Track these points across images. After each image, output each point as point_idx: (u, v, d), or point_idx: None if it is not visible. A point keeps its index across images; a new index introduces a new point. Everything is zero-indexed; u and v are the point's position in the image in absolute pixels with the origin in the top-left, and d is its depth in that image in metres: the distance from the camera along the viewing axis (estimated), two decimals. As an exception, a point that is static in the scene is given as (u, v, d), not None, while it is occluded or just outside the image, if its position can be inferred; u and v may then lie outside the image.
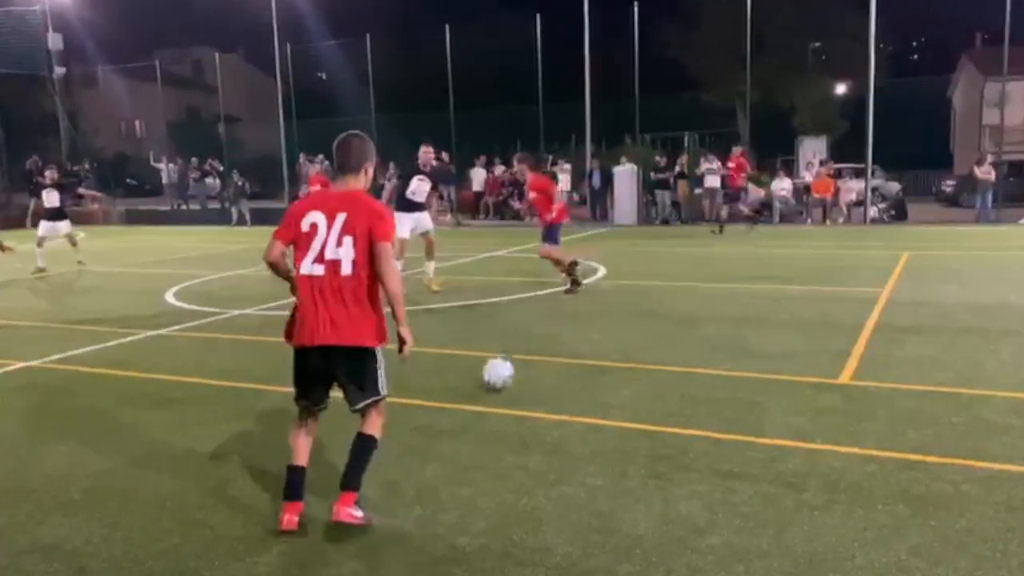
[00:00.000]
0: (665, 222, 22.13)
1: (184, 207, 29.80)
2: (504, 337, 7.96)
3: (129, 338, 8.43)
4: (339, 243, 3.76)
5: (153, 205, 30.89)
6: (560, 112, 25.74)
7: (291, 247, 3.90)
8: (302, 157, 28.24)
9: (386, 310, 3.97)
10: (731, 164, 19.92)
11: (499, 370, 5.87)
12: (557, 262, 10.57)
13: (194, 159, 30.08)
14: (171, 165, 30.52)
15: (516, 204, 21.65)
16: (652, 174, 22.34)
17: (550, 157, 25.02)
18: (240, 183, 26.50)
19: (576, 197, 25.95)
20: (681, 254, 15.58)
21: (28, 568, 3.54)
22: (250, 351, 7.85)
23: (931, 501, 3.92)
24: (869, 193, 21.02)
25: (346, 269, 3.77)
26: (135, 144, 47.32)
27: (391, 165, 28.53)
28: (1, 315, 10.10)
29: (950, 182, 28.26)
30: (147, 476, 4.56)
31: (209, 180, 28.86)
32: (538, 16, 24.62)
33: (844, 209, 21.23)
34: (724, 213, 19.52)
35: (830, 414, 5.29)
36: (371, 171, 4.02)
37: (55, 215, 14.15)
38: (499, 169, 26.06)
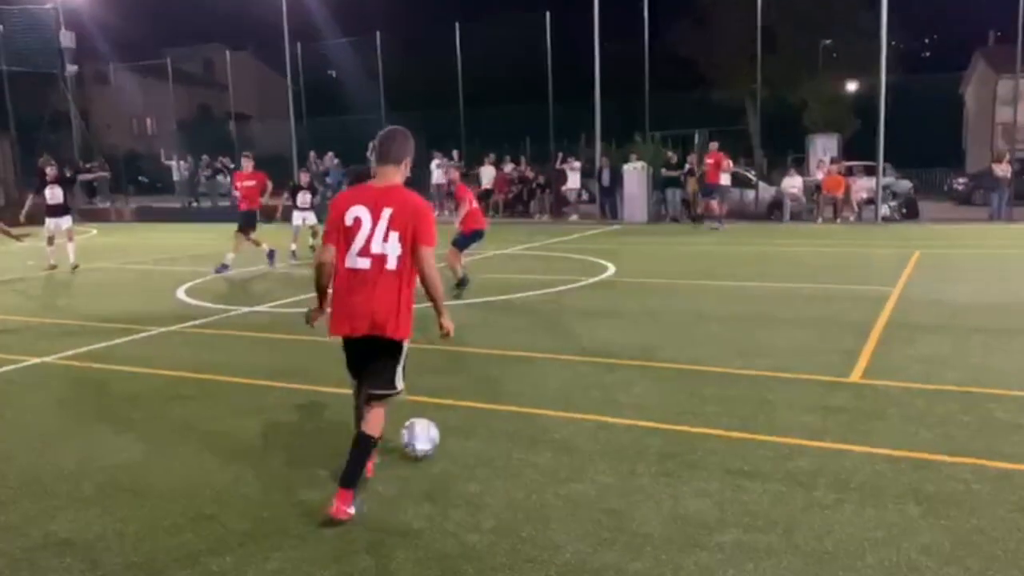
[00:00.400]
0: (675, 220, 22.08)
1: (195, 204, 29.92)
2: (514, 334, 7.98)
3: (141, 334, 8.47)
4: (386, 238, 3.86)
5: (164, 203, 31.03)
6: (570, 110, 25.70)
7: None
8: (312, 155, 28.30)
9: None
10: (709, 161, 19.99)
11: (426, 434, 4.72)
12: (452, 269, 10.30)
13: (205, 157, 30.20)
14: (182, 163, 30.65)
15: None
16: (663, 171, 22.30)
17: (560, 154, 25.00)
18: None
19: (586, 194, 25.93)
20: (691, 252, 15.54)
21: (41, 563, 3.57)
22: (261, 348, 7.88)
23: (942, 500, 3.91)
24: (880, 191, 20.92)
25: (391, 264, 3.88)
26: (146, 142, 47.54)
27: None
28: (14, 311, 10.17)
29: (962, 180, 28.10)
30: (159, 471, 4.59)
31: (220, 178, 28.97)
32: (548, 13, 24.59)
33: (855, 207, 21.14)
34: (700, 208, 19.84)
35: (841, 412, 5.28)
36: (409, 164, 4.09)
37: (58, 211, 14.00)
38: (509, 167, 26.05)
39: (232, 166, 29.01)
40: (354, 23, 33.15)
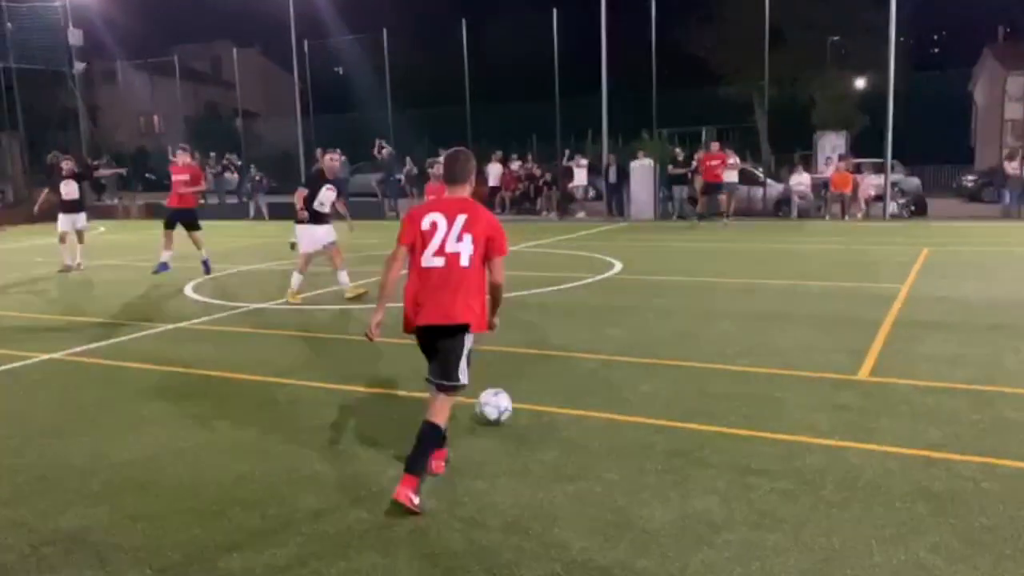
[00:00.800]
0: (682, 217, 22.05)
1: (202, 201, 29.98)
2: (521, 332, 7.97)
3: (149, 331, 8.50)
4: (459, 239, 4.23)
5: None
6: (577, 107, 25.65)
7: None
8: (319, 152, 28.34)
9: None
10: (715, 161, 19.86)
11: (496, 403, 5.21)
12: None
13: (212, 154, 30.26)
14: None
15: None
16: (669, 168, 22.26)
17: (567, 152, 24.97)
18: (258, 178, 26.65)
19: (592, 192, 25.90)
20: (698, 249, 15.52)
21: (50, 558, 3.59)
22: (269, 344, 7.90)
23: (951, 499, 3.89)
24: (888, 188, 20.85)
25: (464, 261, 4.23)
26: (154, 139, 47.66)
27: (408, 159, 28.66)
28: (23, 308, 10.22)
29: (971, 177, 27.98)
30: (167, 468, 4.60)
31: (227, 175, 29.03)
32: (555, 10, 24.55)
33: (863, 204, 21.07)
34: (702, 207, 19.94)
35: (849, 411, 5.26)
36: (473, 181, 4.53)
37: (73, 207, 13.72)
38: (515, 164, 26.03)
39: (239, 163, 29.10)
40: (361, 20, 33.19)
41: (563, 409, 5.42)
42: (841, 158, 22.14)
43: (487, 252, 4.29)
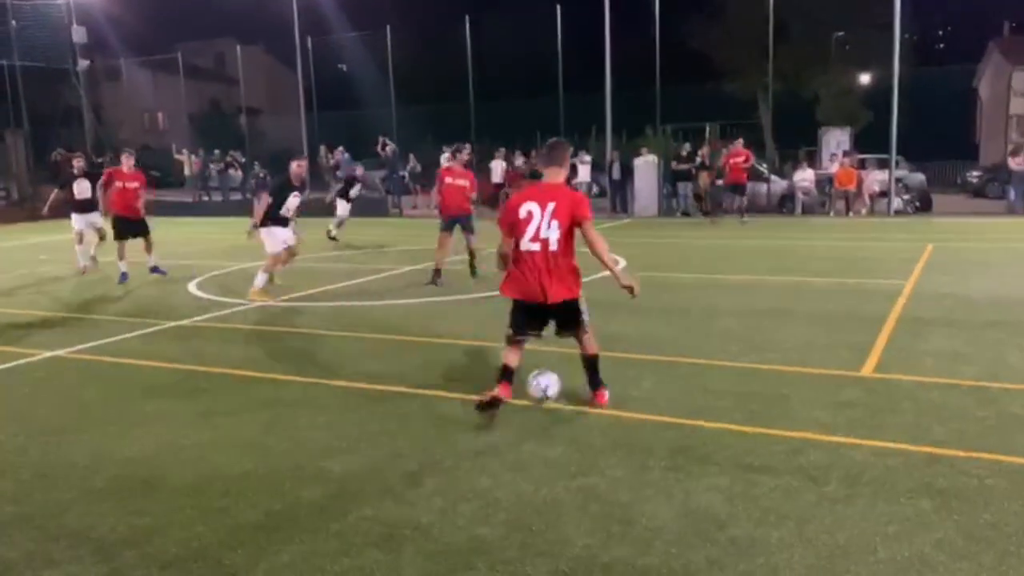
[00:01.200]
0: (686, 214, 22.01)
1: (206, 199, 30.02)
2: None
3: (153, 328, 8.51)
4: (549, 226, 5.01)
5: (175, 197, 31.15)
6: (580, 103, 25.64)
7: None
8: (323, 149, 28.34)
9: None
10: (739, 159, 19.77)
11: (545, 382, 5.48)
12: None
13: (216, 151, 30.29)
14: (193, 157, 30.75)
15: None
16: (673, 164, 22.21)
17: (570, 148, 24.93)
18: (261, 175, 26.65)
19: (596, 188, 25.87)
20: (702, 246, 15.49)
21: (55, 555, 3.59)
22: (272, 342, 7.91)
23: (955, 495, 3.88)
24: (893, 184, 20.78)
25: (553, 246, 5.03)
26: (158, 136, 47.74)
27: (411, 156, 28.65)
28: (27, 306, 10.24)
29: (976, 173, 27.89)
30: (171, 465, 4.61)
31: (231, 172, 29.06)
32: (558, 6, 24.51)
33: (867, 200, 21.02)
34: (736, 204, 19.79)
35: (853, 407, 5.25)
36: (568, 166, 5.32)
37: (86, 206, 13.17)
38: (519, 161, 26.00)
39: (243, 160, 29.11)
40: (365, 17, 33.10)
41: (567, 406, 5.41)
42: (845, 154, 22.07)
43: (575, 224, 5.03)
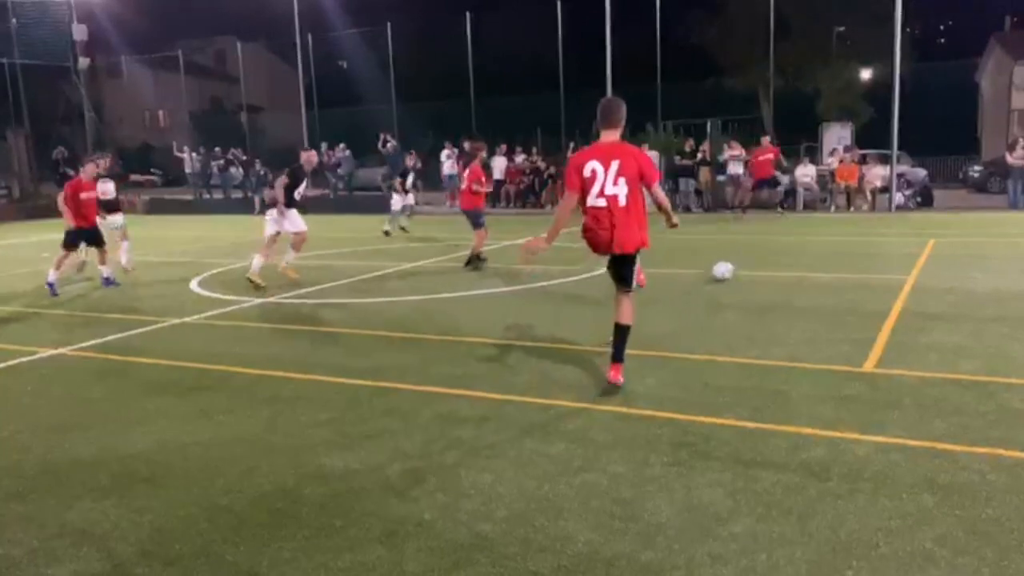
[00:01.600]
0: (687, 209, 22.00)
1: (208, 196, 30.04)
2: (527, 324, 7.98)
3: (155, 326, 8.52)
4: (615, 183, 5.28)
5: (177, 194, 31.17)
6: (581, 99, 25.48)
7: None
8: (324, 146, 28.32)
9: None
10: (769, 155, 19.72)
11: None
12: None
13: (217, 148, 30.29)
14: (194, 155, 30.77)
15: None
16: (677, 158, 22.18)
17: (571, 144, 24.90)
18: (262, 172, 26.67)
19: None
20: (703, 242, 15.47)
21: (58, 552, 3.60)
22: (275, 339, 7.92)
23: (957, 490, 3.88)
24: (895, 179, 20.76)
25: (621, 201, 5.32)
26: (159, 134, 47.74)
27: (412, 152, 28.64)
28: (29, 303, 10.25)
29: (978, 168, 27.83)
30: (174, 462, 4.62)
31: (232, 170, 29.07)
32: (559, 2, 24.48)
33: (868, 196, 21.00)
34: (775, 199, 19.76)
35: (854, 402, 5.26)
36: (622, 123, 5.51)
37: (110, 207, 12.80)
38: (520, 157, 25.99)
39: (244, 157, 29.10)
40: (365, 14, 33.10)
41: (568, 402, 5.42)
42: (846, 149, 22.04)
43: (643, 183, 5.37)
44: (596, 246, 5.53)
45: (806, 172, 21.64)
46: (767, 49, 23.33)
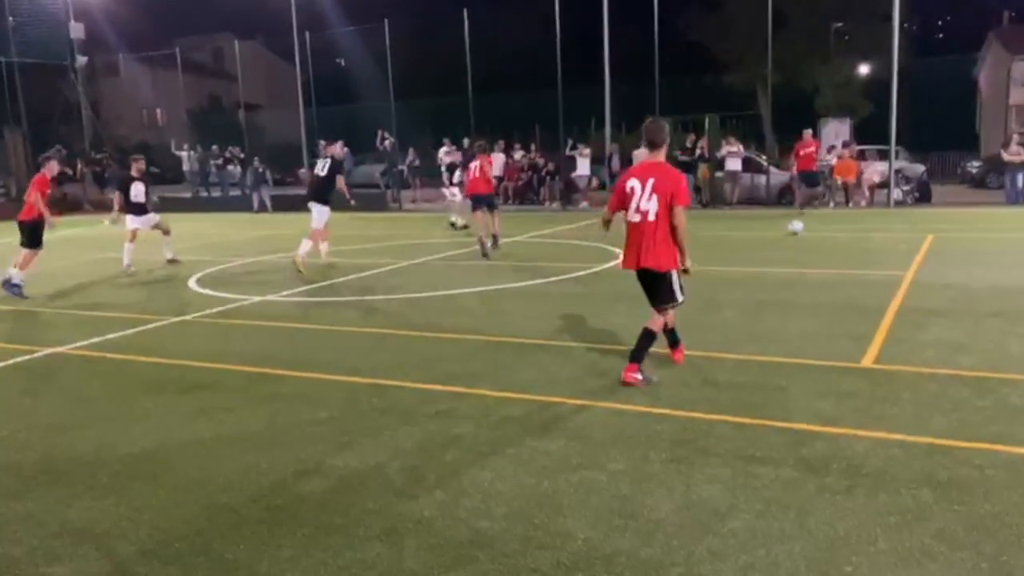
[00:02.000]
0: (688, 206, 21.96)
1: (205, 194, 30.00)
2: (526, 322, 7.98)
3: (153, 324, 8.52)
4: (648, 199, 5.59)
5: (174, 192, 31.13)
6: (579, 95, 25.56)
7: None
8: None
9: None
10: (809, 149, 19.63)
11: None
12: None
13: (215, 147, 30.25)
14: (192, 153, 30.73)
15: None
16: (678, 154, 22.16)
17: (569, 141, 24.91)
18: (261, 170, 26.65)
19: (595, 181, 25.85)
20: (702, 238, 15.45)
21: (58, 550, 3.61)
22: (273, 337, 7.91)
23: (955, 486, 3.89)
24: (893, 175, 20.75)
25: (651, 217, 5.59)
26: (157, 132, 47.66)
27: (410, 150, 28.60)
28: (29, 303, 10.23)
29: (976, 163, 27.84)
30: (173, 460, 4.62)
31: (230, 168, 29.04)
32: (557, -1, 24.44)
33: (866, 192, 20.99)
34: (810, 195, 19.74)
35: (853, 398, 5.26)
36: (666, 144, 5.83)
37: (140, 210, 13.06)
38: (518, 154, 25.97)
39: (242, 156, 29.07)
40: (362, 11, 33.01)
41: (568, 399, 5.42)
42: (845, 145, 22.02)
43: (670, 203, 5.55)
44: (625, 260, 5.83)
45: (804, 168, 21.60)
46: (765, 45, 23.28)
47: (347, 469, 4.38)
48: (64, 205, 13.34)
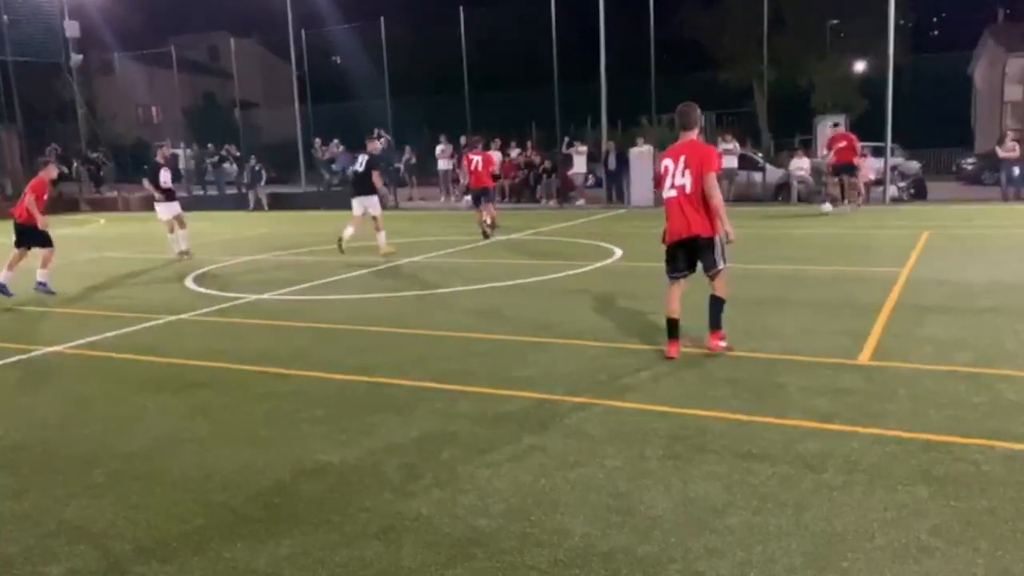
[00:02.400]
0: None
1: (201, 192, 29.95)
2: (523, 319, 7.98)
3: (150, 323, 8.51)
4: (683, 175, 6.09)
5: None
6: (576, 93, 25.55)
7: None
8: (317, 142, 28.24)
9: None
10: (842, 143, 19.33)
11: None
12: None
13: (210, 145, 30.20)
14: (188, 151, 30.67)
15: None
16: None
17: (566, 139, 24.90)
18: (257, 168, 26.61)
19: (592, 179, 25.85)
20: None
21: (55, 549, 3.60)
22: (270, 335, 7.90)
23: (952, 481, 3.90)
24: (888, 172, 20.75)
25: (688, 190, 6.08)
26: (152, 130, 47.52)
27: (406, 148, 28.57)
28: (24, 301, 10.20)
29: (971, 160, 27.89)
30: (171, 459, 4.62)
31: (226, 166, 28.99)
32: (552, -4, 24.42)
33: (862, 189, 20.95)
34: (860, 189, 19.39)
35: (850, 394, 5.27)
36: (701, 127, 6.38)
37: (170, 195, 13.80)
38: (515, 152, 25.95)
39: (238, 154, 29.03)
40: (358, 9, 32.97)
41: (564, 396, 5.42)
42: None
43: (701, 172, 6.00)
44: (671, 233, 6.24)
45: (800, 165, 21.62)
46: (761, 42, 23.30)
47: (344, 467, 4.38)
48: (60, 204, 13.44)
